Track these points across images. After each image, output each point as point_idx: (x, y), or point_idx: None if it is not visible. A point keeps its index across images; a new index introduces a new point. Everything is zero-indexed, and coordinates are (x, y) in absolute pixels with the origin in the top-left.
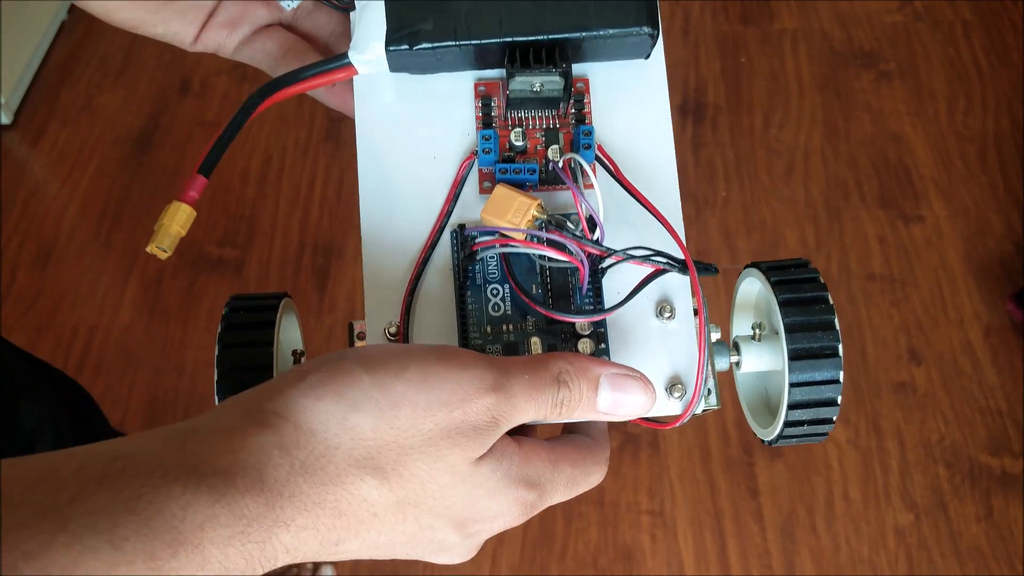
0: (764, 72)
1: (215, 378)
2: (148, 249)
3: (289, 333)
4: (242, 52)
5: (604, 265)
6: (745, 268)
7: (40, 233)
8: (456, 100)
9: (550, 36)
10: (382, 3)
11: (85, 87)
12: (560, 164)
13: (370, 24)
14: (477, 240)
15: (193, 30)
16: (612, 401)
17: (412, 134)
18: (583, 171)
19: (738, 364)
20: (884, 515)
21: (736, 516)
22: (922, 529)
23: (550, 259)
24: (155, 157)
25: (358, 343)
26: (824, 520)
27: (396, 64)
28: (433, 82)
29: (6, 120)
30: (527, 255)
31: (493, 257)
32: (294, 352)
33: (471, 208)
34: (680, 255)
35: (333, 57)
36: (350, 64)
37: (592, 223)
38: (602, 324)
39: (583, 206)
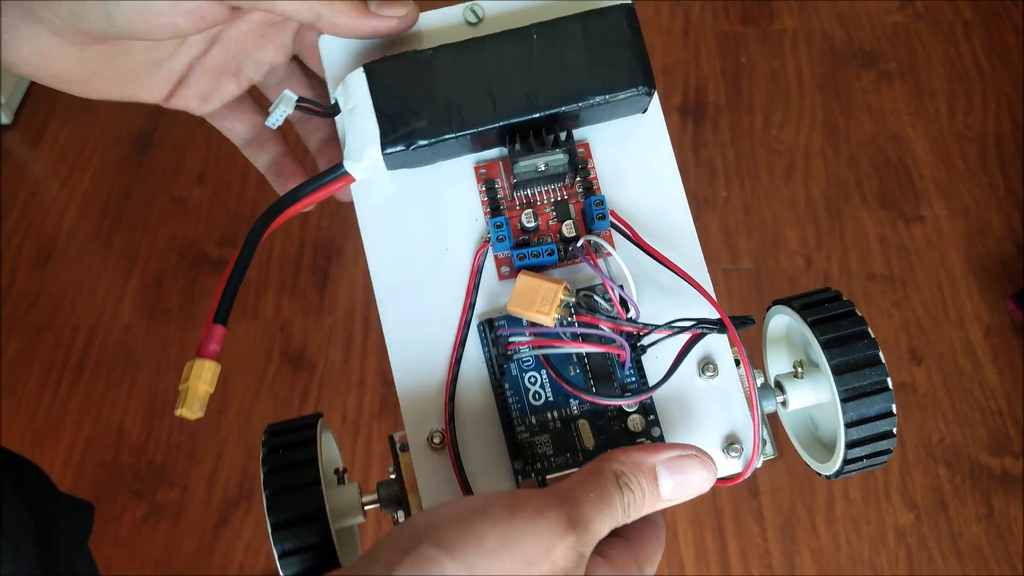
0: (764, 72)
1: (268, 522)
2: (178, 413)
3: (328, 451)
4: (215, 122)
5: (644, 343)
6: (773, 305)
7: (40, 233)
8: (458, 187)
9: (546, 112)
10: (370, 105)
11: None
12: (582, 247)
13: (361, 129)
14: (511, 340)
15: (161, 95)
16: (674, 487)
17: (419, 229)
18: (603, 248)
19: (784, 403)
20: (884, 515)
21: (736, 516)
22: (922, 529)
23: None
24: (155, 157)
25: (402, 456)
26: (824, 520)
27: (393, 163)
28: (432, 172)
29: (6, 120)
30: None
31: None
32: (336, 471)
33: (494, 296)
34: (715, 314)
35: (330, 169)
36: (347, 173)
37: (624, 300)
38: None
39: (614, 291)
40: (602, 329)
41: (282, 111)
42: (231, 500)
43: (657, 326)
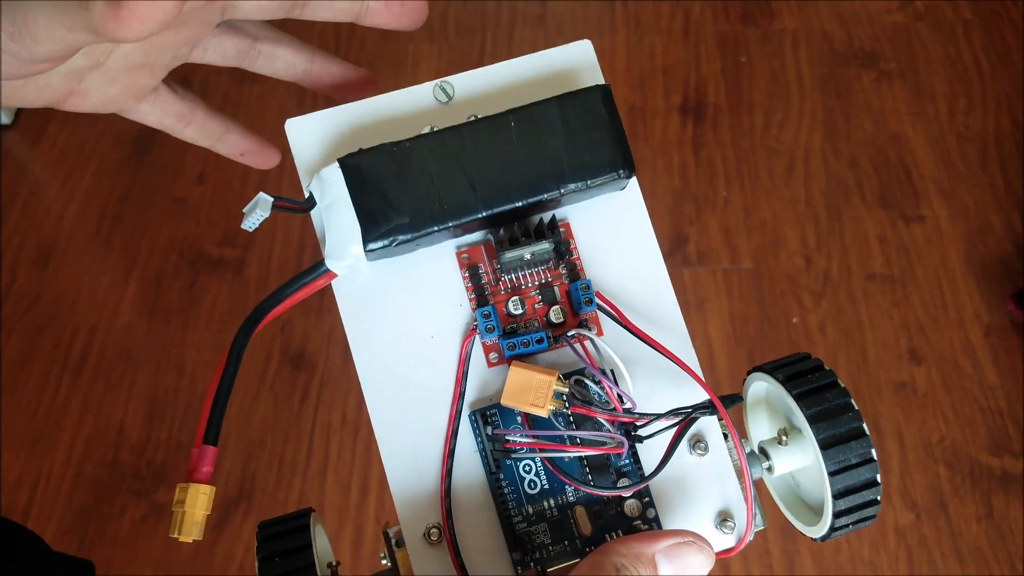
0: (764, 72)
1: None
2: (173, 535)
3: (321, 545)
4: (126, 114)
5: (641, 434)
6: (749, 374)
7: (40, 233)
8: (440, 273)
9: (528, 201)
10: (348, 202)
11: None
12: (575, 343)
13: (341, 226)
14: (508, 439)
15: (47, 101)
16: (673, 574)
17: (404, 317)
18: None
19: (770, 469)
20: (884, 515)
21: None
22: (922, 529)
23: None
24: (155, 157)
25: (398, 551)
26: None
27: (374, 257)
28: (412, 259)
29: (6, 120)
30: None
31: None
32: (329, 565)
33: (483, 383)
34: (703, 394)
35: (311, 268)
36: (329, 271)
37: (620, 395)
38: None
39: (612, 389)
40: (597, 421)
41: (258, 215)
42: (231, 500)
43: (656, 416)
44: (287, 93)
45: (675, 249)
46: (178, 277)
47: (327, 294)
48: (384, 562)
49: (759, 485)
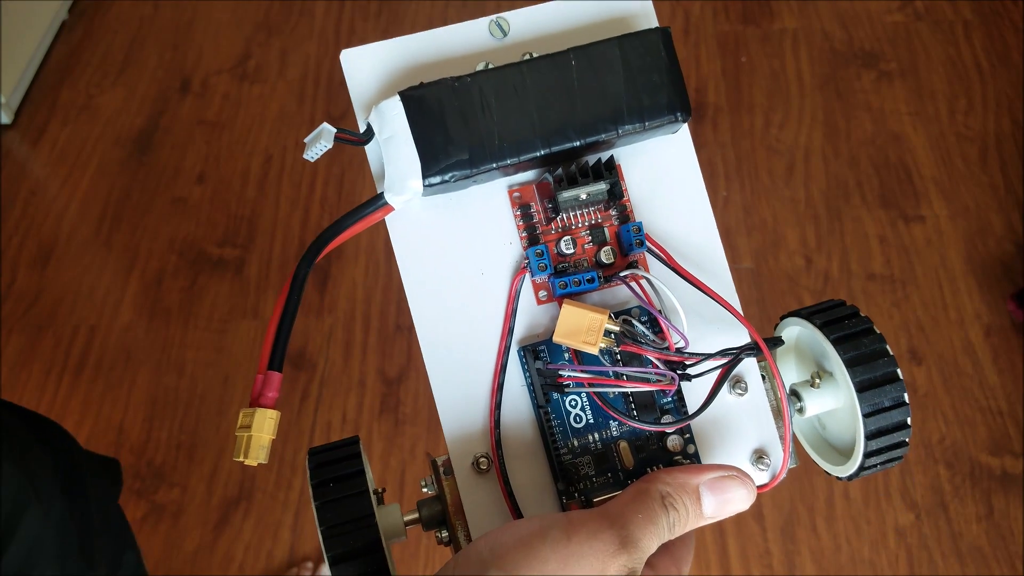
0: (765, 72)
1: (322, 541)
2: (240, 460)
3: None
4: None
5: (690, 372)
6: (783, 319)
7: (40, 233)
8: (492, 211)
9: (587, 140)
10: (409, 135)
11: (85, 87)
12: (631, 284)
13: (401, 160)
14: (562, 375)
15: None
16: (716, 505)
17: (455, 253)
18: (646, 277)
19: (800, 410)
20: (885, 515)
21: (736, 516)
22: (923, 529)
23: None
24: (155, 157)
25: (446, 479)
26: (825, 520)
27: (431, 192)
28: (465, 196)
29: (6, 120)
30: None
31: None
32: (375, 491)
33: (532, 320)
34: (747, 336)
35: (369, 201)
36: (388, 204)
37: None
38: None
39: (668, 328)
40: (644, 358)
41: (322, 146)
42: (231, 500)
43: (706, 356)
44: (287, 93)
45: None
46: (178, 277)
47: (327, 295)
48: (425, 490)
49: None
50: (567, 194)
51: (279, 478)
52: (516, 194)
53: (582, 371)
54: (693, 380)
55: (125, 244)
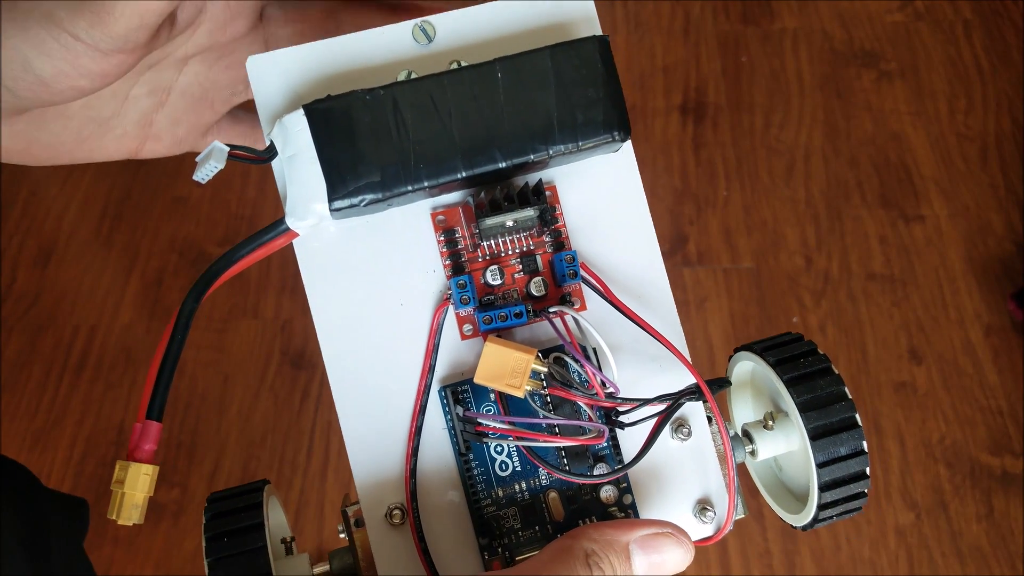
0: (765, 71)
1: None
2: (112, 517)
3: (276, 519)
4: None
5: (624, 420)
6: (736, 352)
7: (40, 233)
8: (414, 236)
9: (514, 162)
10: (313, 154)
11: None
12: (555, 320)
13: (304, 181)
14: (481, 423)
15: (124, 152)
16: (648, 566)
17: (372, 281)
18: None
19: (753, 453)
20: (885, 515)
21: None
22: (923, 529)
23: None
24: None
25: (357, 531)
26: None
27: (341, 216)
28: (383, 218)
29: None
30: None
31: (491, 410)
32: (283, 540)
33: (454, 357)
34: (691, 378)
35: (270, 226)
36: (289, 230)
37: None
38: None
39: (595, 375)
40: (576, 403)
41: (212, 166)
42: None
43: (642, 402)
44: None
45: (675, 249)
46: (178, 277)
47: None
48: (342, 536)
49: (740, 469)
50: (490, 221)
51: (279, 478)
52: (440, 217)
53: (505, 421)
54: (626, 429)
55: (125, 244)
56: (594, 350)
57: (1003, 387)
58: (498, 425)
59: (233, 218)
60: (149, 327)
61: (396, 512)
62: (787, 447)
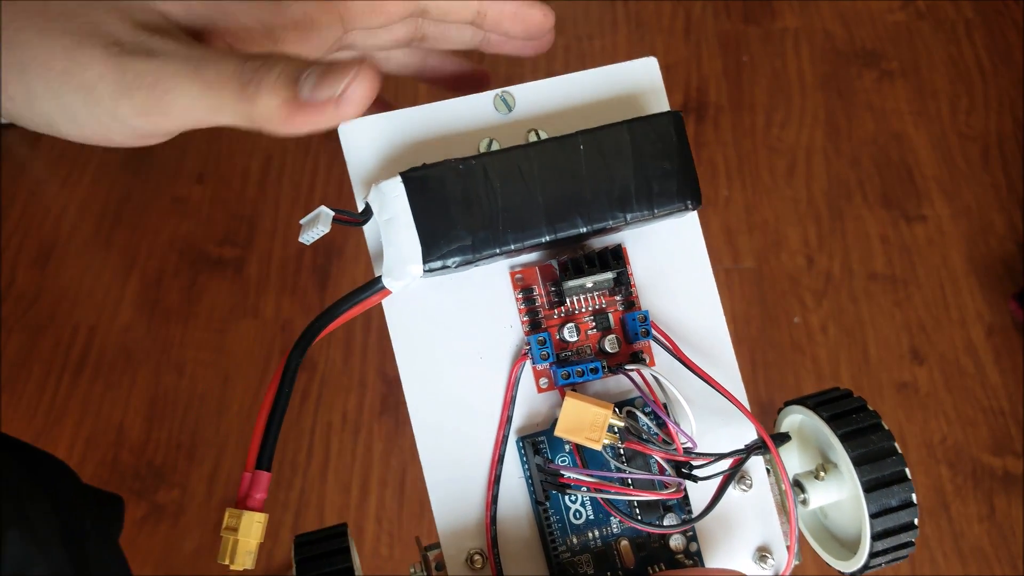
0: (766, 71)
1: None
2: (223, 562)
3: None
4: None
5: (698, 474)
6: (786, 405)
7: (40, 233)
8: (494, 292)
9: (594, 227)
10: (410, 219)
11: None
12: (635, 376)
13: (400, 244)
14: (563, 475)
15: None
16: None
17: (453, 335)
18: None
19: (804, 502)
20: None
21: None
22: (924, 529)
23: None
24: (155, 157)
25: (436, 575)
26: None
27: (431, 275)
28: (465, 276)
29: (6, 120)
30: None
31: (566, 461)
32: None
33: (531, 408)
34: (751, 432)
35: (367, 285)
36: (384, 288)
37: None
38: None
39: (676, 432)
40: (648, 457)
41: (319, 230)
42: (231, 500)
43: (716, 457)
44: None
45: None
46: (178, 277)
47: (327, 294)
48: (412, 572)
49: None
50: (573, 283)
51: (279, 478)
52: (518, 276)
53: (587, 475)
54: (699, 481)
55: (125, 244)
56: (664, 405)
57: (1005, 387)
58: (580, 477)
59: (233, 218)
60: (149, 327)
61: (477, 557)
62: (837, 497)
